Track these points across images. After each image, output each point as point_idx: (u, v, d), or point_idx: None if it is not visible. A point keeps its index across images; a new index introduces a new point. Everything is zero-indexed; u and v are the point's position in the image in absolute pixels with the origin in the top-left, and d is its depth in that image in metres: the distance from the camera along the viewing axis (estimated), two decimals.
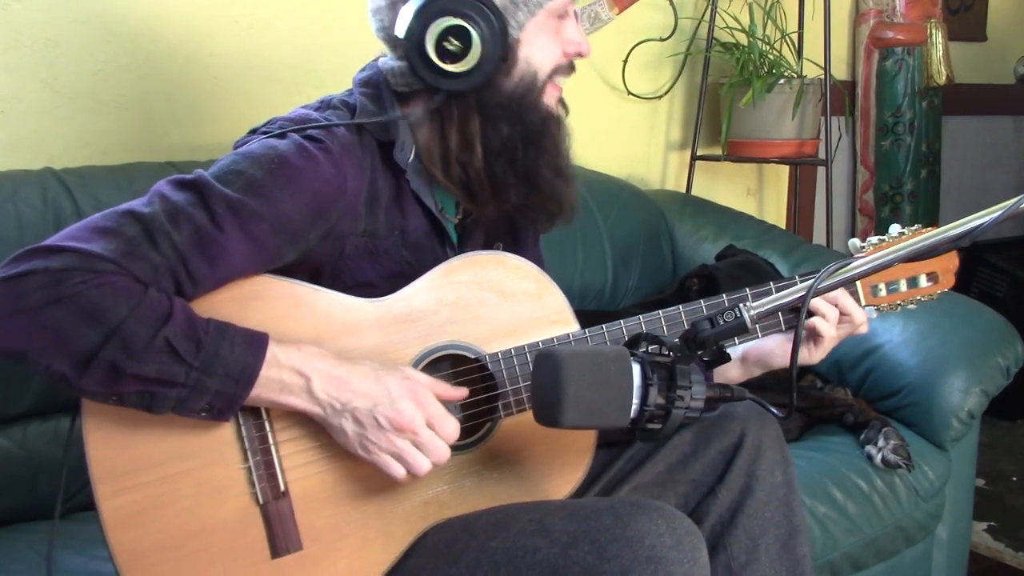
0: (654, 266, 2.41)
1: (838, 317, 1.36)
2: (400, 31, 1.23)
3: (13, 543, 1.55)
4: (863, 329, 1.38)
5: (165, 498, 1.16)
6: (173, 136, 2.04)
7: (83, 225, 1.12)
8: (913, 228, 1.38)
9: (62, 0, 1.90)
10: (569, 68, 1.33)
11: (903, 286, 1.40)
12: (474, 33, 1.21)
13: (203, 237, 1.13)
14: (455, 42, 1.21)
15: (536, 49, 1.28)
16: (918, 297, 1.41)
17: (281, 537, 1.20)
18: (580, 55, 1.32)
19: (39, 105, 1.90)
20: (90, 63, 1.94)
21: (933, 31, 3.14)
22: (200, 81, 2.06)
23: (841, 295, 1.35)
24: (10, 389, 1.64)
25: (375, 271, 1.30)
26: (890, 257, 1.14)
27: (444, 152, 1.29)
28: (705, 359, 1.17)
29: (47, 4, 1.89)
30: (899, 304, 1.41)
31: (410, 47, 1.23)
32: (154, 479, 1.16)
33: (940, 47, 3.14)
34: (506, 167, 1.29)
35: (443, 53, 1.22)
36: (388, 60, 1.33)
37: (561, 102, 1.35)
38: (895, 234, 1.38)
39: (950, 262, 1.40)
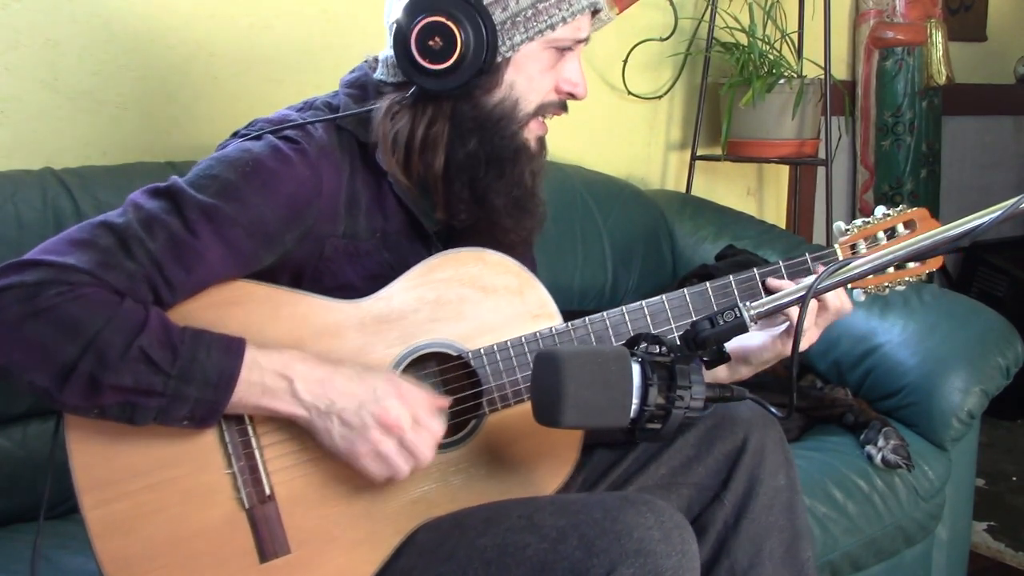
0: (654, 266, 2.41)
1: (816, 306, 1.33)
2: (394, 16, 1.24)
3: (13, 543, 1.55)
4: (846, 309, 1.34)
5: (151, 506, 1.16)
6: (173, 136, 2.04)
7: (59, 239, 1.12)
8: (898, 209, 1.37)
9: (62, 0, 1.90)
10: (560, 106, 1.32)
11: (891, 267, 1.39)
12: (459, 37, 1.20)
13: (178, 244, 1.13)
14: (439, 41, 1.21)
15: (525, 77, 1.27)
16: (907, 278, 1.40)
17: (268, 541, 1.19)
18: (574, 96, 1.31)
19: (39, 105, 1.90)
20: (90, 63, 1.94)
21: (933, 31, 3.14)
22: (200, 81, 2.06)
23: None
24: (10, 389, 1.63)
25: (356, 273, 1.29)
26: (889, 258, 1.14)
27: (408, 145, 1.27)
28: (705, 359, 1.17)
29: (47, 4, 1.89)
30: (887, 286, 1.39)
31: (397, 35, 1.23)
32: (139, 488, 1.16)
33: (940, 47, 3.14)
34: (464, 183, 1.28)
35: (424, 49, 1.22)
36: (385, 50, 1.32)
37: (541, 142, 1.33)
38: (880, 216, 1.37)
39: None
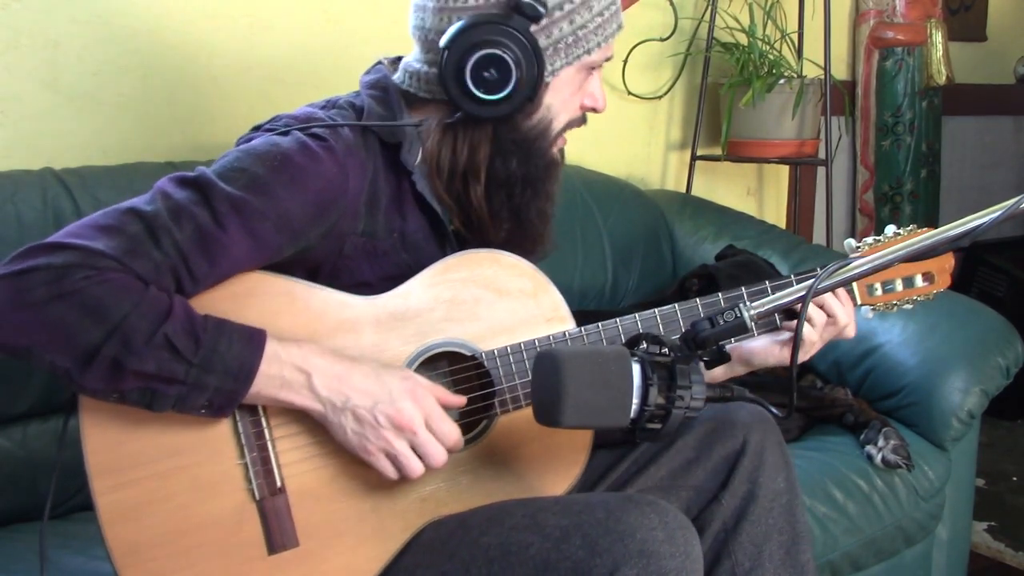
0: (654, 266, 2.41)
1: (825, 320, 1.35)
2: (444, 42, 1.24)
3: (13, 543, 1.55)
4: (849, 332, 1.37)
5: (161, 493, 1.16)
6: (173, 136, 2.04)
7: (85, 223, 1.12)
8: (908, 229, 1.38)
9: (62, 0, 1.90)
10: (581, 120, 1.36)
11: (899, 286, 1.40)
12: (514, 71, 1.23)
13: (205, 235, 1.14)
14: (494, 72, 1.23)
15: (560, 98, 1.31)
16: (914, 297, 1.41)
17: (277, 533, 1.20)
18: (595, 110, 1.35)
19: (39, 105, 1.90)
20: (90, 63, 1.94)
21: (933, 31, 3.14)
22: (200, 81, 2.06)
23: (829, 298, 1.34)
24: (10, 389, 1.64)
25: (373, 272, 1.30)
26: (890, 257, 1.14)
27: (452, 166, 1.30)
28: (705, 359, 1.17)
29: (47, 4, 1.89)
30: (895, 304, 1.41)
31: (448, 61, 1.23)
32: (151, 474, 1.16)
33: (940, 47, 3.14)
34: (503, 201, 1.31)
35: (478, 79, 1.23)
36: (412, 61, 1.33)
37: (562, 152, 1.38)
38: (891, 235, 1.38)
39: (946, 262, 1.40)
